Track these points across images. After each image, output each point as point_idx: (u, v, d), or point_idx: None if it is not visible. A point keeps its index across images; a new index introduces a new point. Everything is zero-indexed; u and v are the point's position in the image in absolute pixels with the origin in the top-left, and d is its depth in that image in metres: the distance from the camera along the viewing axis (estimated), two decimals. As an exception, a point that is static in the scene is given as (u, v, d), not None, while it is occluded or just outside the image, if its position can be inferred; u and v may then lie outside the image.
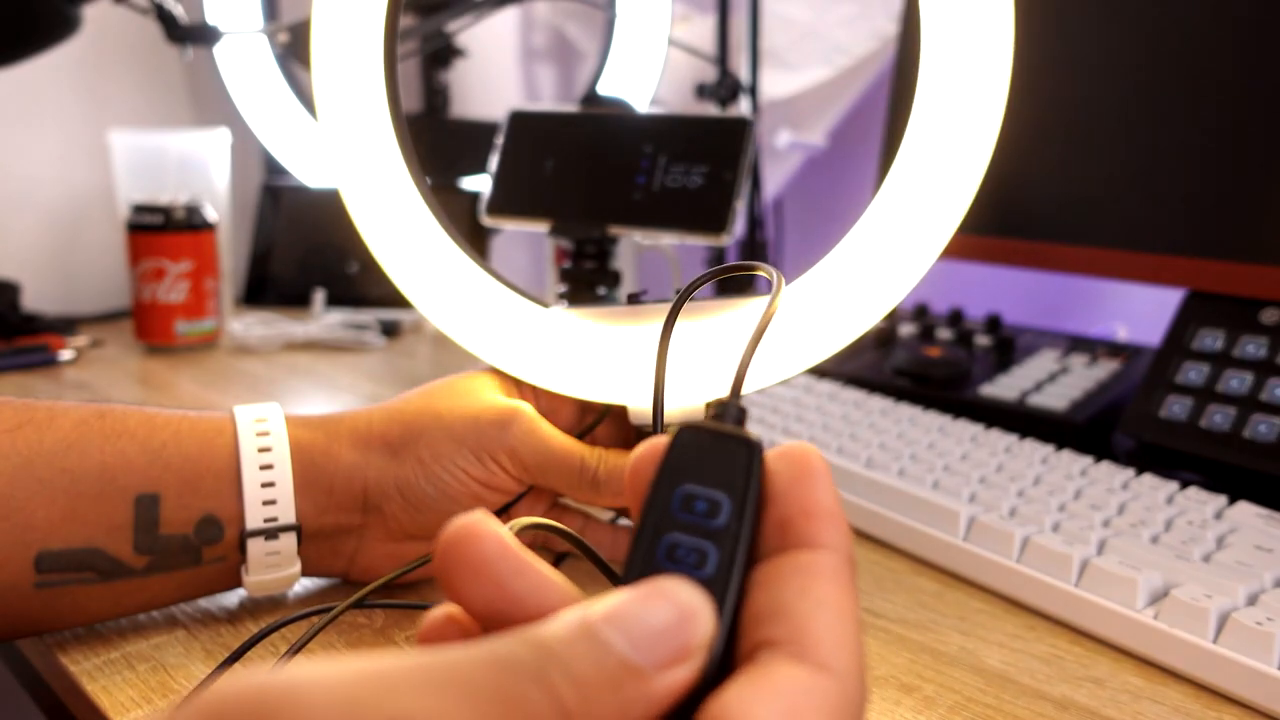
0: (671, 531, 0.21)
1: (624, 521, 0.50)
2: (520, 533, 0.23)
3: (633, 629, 0.18)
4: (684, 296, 0.36)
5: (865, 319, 0.42)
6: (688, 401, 0.43)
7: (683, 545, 0.21)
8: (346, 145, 0.47)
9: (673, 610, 0.19)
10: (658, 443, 0.23)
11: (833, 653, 0.20)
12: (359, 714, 0.16)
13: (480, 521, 0.21)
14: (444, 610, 0.21)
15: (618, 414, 0.46)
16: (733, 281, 0.97)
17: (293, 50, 0.87)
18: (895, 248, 0.41)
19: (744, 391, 0.43)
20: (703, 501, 0.21)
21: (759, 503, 0.22)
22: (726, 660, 0.20)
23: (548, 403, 0.46)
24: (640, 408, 0.44)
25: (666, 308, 0.44)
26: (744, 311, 0.42)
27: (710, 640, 0.20)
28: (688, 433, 0.22)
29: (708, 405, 0.24)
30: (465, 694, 0.17)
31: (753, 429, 0.60)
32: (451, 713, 0.16)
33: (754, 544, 0.22)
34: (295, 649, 0.38)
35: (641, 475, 0.23)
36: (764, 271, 0.30)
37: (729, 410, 0.24)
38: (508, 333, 0.46)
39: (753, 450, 0.22)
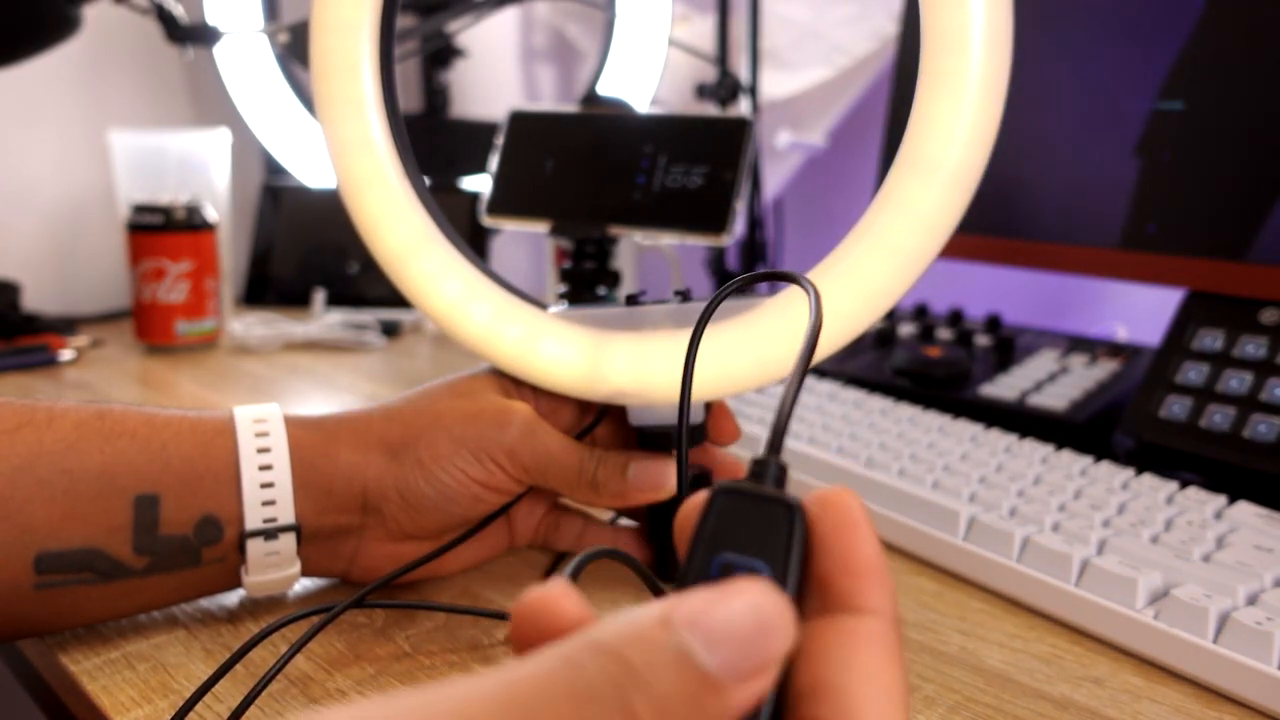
0: None
1: (624, 522, 0.50)
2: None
3: (715, 634, 0.18)
4: (715, 303, 0.34)
5: (865, 319, 0.42)
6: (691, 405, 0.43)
7: None
8: (345, 145, 0.47)
9: (753, 615, 0.18)
10: (697, 502, 0.22)
11: None
12: None
13: (562, 595, 0.20)
14: None
15: (617, 415, 0.46)
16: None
17: (293, 50, 0.87)
18: (895, 248, 0.41)
19: (743, 392, 0.43)
20: (742, 570, 0.20)
21: (803, 566, 0.21)
22: None
23: (547, 403, 0.46)
24: (640, 408, 0.44)
25: (666, 308, 0.44)
26: (745, 313, 0.42)
27: (782, 659, 0.19)
28: (724, 496, 0.21)
29: (752, 462, 0.22)
30: None
31: (753, 430, 0.60)
32: None
33: (799, 607, 0.21)
34: (295, 649, 0.38)
35: (684, 538, 0.22)
36: (799, 283, 0.27)
37: (769, 469, 0.22)
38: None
39: (794, 514, 0.21)
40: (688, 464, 0.40)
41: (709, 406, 0.45)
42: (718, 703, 0.17)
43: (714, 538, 0.21)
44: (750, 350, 0.42)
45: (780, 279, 0.30)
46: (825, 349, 0.42)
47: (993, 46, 0.40)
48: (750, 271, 0.98)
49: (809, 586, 0.21)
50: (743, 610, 0.18)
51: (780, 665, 0.19)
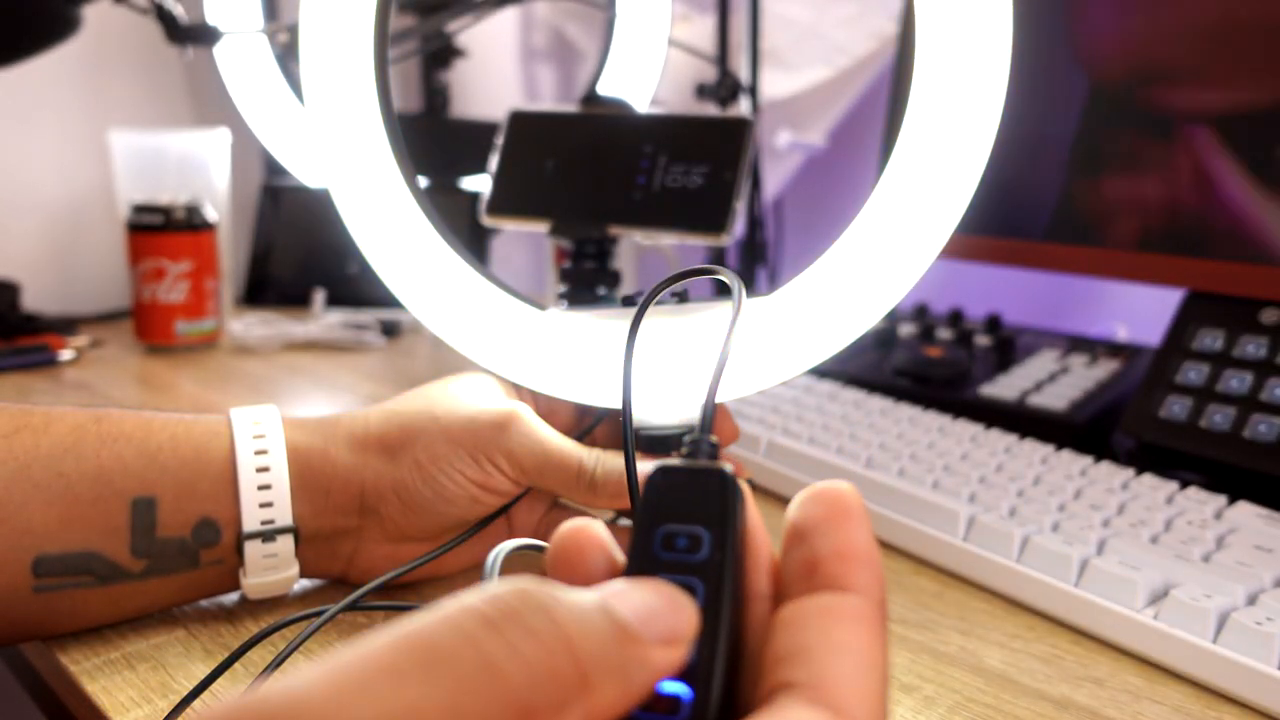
0: (657, 573, 0.21)
1: (624, 522, 0.50)
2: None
3: (634, 604, 0.20)
4: (645, 303, 0.35)
5: (863, 321, 0.42)
6: (687, 408, 0.43)
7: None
8: (338, 146, 0.47)
9: (665, 597, 0.20)
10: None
11: (852, 700, 0.19)
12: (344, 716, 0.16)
13: (588, 525, 0.23)
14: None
15: (615, 416, 0.46)
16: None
17: (293, 50, 0.87)
18: (892, 248, 0.41)
19: (744, 394, 0.43)
20: (683, 538, 0.22)
21: (740, 531, 0.22)
22: (730, 700, 0.20)
23: (546, 404, 0.46)
24: (639, 410, 0.44)
25: (664, 309, 0.44)
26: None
27: (693, 635, 0.20)
28: (661, 473, 0.23)
29: (687, 441, 0.24)
30: (444, 673, 0.17)
31: (753, 429, 0.60)
32: (434, 697, 0.16)
33: (740, 573, 0.22)
34: (291, 648, 0.38)
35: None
36: (724, 276, 0.29)
37: (700, 446, 0.24)
38: (504, 335, 0.46)
39: (726, 480, 0.22)
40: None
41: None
42: (638, 651, 0.19)
43: (655, 511, 0.22)
44: (747, 354, 0.42)
45: (708, 274, 0.31)
46: (826, 352, 0.42)
47: (993, 45, 0.40)
48: (751, 272, 0.98)
49: (796, 571, 0.22)
50: (653, 592, 0.20)
51: (689, 646, 0.20)
